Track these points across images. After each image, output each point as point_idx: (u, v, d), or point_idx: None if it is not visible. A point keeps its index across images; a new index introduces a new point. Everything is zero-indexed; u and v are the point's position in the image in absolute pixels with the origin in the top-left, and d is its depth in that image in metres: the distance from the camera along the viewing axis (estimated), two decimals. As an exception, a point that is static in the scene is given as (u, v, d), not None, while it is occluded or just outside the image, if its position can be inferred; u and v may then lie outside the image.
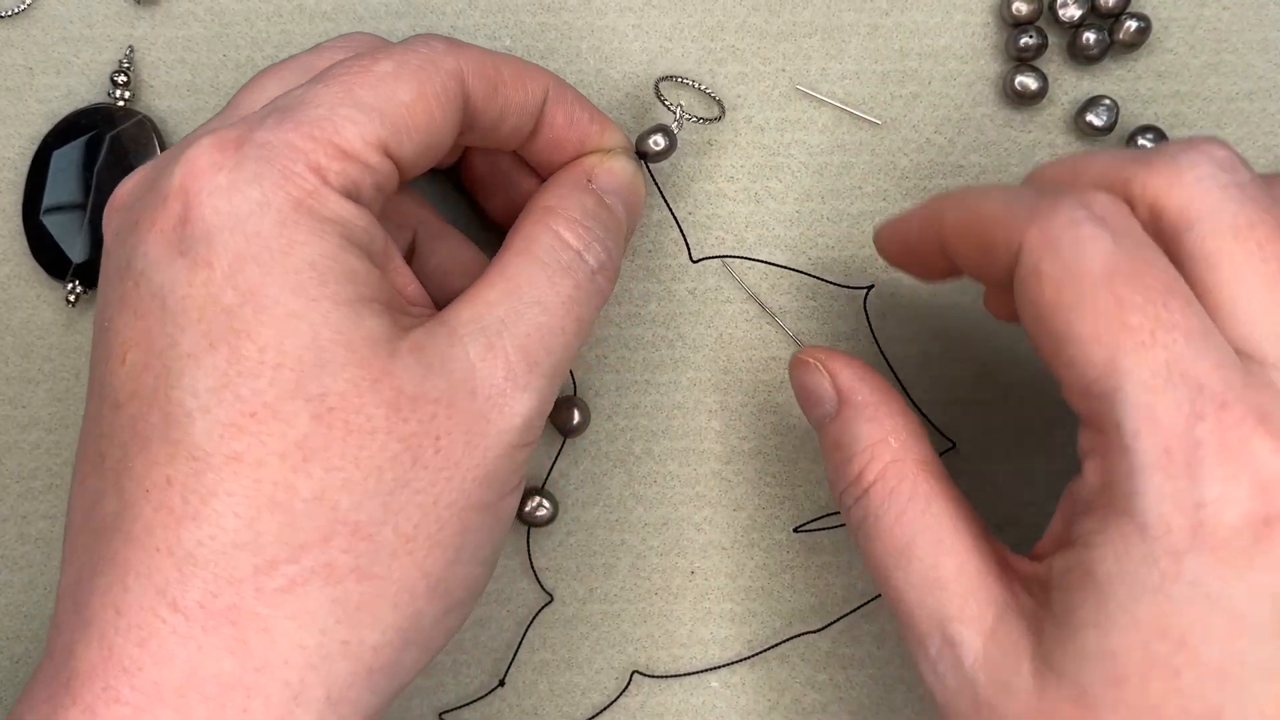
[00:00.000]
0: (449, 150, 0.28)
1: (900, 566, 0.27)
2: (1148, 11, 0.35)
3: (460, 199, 0.35)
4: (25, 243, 0.35)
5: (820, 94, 0.35)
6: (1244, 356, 0.23)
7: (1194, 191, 0.24)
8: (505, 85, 0.28)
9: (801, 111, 0.36)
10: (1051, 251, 0.24)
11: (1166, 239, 0.24)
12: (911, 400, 0.35)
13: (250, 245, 0.24)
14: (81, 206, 0.34)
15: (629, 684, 0.35)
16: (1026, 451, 0.35)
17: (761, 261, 0.35)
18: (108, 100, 0.35)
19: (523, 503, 0.35)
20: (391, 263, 0.27)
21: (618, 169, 0.31)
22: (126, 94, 0.34)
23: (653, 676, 0.35)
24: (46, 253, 0.34)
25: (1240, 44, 0.36)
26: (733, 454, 0.36)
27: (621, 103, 0.35)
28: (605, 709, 0.35)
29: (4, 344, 0.35)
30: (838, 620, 0.35)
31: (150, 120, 0.34)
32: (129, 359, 0.25)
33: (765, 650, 0.35)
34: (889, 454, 0.28)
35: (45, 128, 0.35)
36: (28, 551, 0.35)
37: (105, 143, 0.34)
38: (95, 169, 0.34)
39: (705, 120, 0.31)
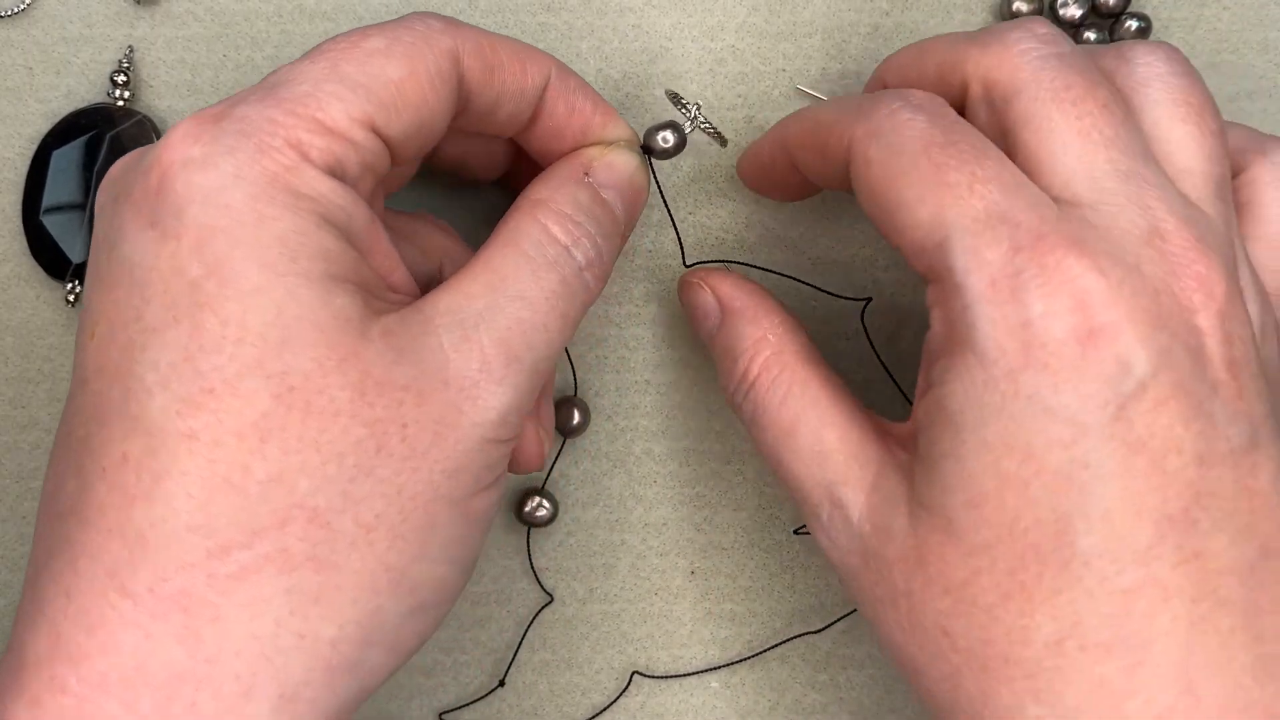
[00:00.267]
0: (443, 134, 0.28)
1: (788, 446, 0.29)
2: (1148, 11, 0.35)
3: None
4: (25, 243, 0.35)
5: (820, 94, 0.35)
6: (1062, 203, 0.25)
7: (1019, 63, 0.26)
8: (503, 68, 0.28)
9: (801, 111, 0.36)
10: (876, 139, 0.26)
11: (998, 109, 0.27)
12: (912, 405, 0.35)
13: (220, 218, 0.24)
14: (81, 206, 0.34)
15: (629, 684, 0.35)
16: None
17: (756, 267, 0.35)
18: (107, 100, 0.35)
19: (523, 503, 0.35)
20: (377, 246, 0.26)
21: (618, 163, 0.30)
22: (126, 94, 0.34)
23: (653, 677, 0.35)
24: (46, 253, 0.34)
25: (1240, 44, 0.36)
26: (733, 454, 0.36)
27: (621, 103, 0.35)
28: (605, 709, 0.35)
29: (4, 344, 0.35)
30: (838, 621, 0.35)
31: (150, 120, 0.34)
32: (97, 333, 0.24)
33: (765, 650, 0.35)
34: (768, 348, 0.30)
35: (45, 128, 0.35)
36: (28, 552, 0.35)
37: (105, 143, 0.34)
38: (95, 169, 0.34)
39: (714, 134, 0.31)
